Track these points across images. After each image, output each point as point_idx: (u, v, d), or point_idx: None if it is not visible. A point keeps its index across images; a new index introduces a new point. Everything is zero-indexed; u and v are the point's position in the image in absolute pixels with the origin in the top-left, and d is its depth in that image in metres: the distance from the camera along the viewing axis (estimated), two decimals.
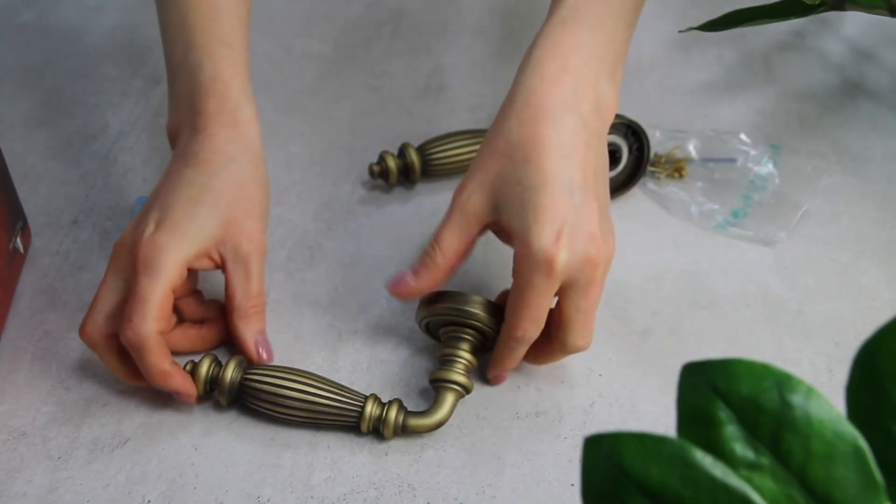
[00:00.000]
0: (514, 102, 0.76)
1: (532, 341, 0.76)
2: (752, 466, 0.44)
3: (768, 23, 0.88)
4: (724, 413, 0.44)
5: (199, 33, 0.85)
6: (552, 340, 0.77)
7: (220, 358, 0.81)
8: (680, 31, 0.84)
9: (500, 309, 0.79)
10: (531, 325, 0.74)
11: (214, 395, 0.80)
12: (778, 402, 0.43)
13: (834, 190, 0.99)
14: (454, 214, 0.76)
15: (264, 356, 0.82)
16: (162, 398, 0.82)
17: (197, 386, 0.79)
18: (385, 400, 0.79)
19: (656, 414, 0.81)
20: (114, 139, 1.07)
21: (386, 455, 0.78)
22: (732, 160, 1.00)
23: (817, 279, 0.91)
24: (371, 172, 0.98)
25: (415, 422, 0.78)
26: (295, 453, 0.78)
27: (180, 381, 0.77)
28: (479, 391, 0.82)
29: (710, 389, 0.44)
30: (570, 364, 0.84)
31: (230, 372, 0.79)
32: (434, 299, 0.80)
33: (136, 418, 0.80)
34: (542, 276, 0.71)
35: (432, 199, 0.99)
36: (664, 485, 0.43)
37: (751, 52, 1.18)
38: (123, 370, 0.79)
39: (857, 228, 0.96)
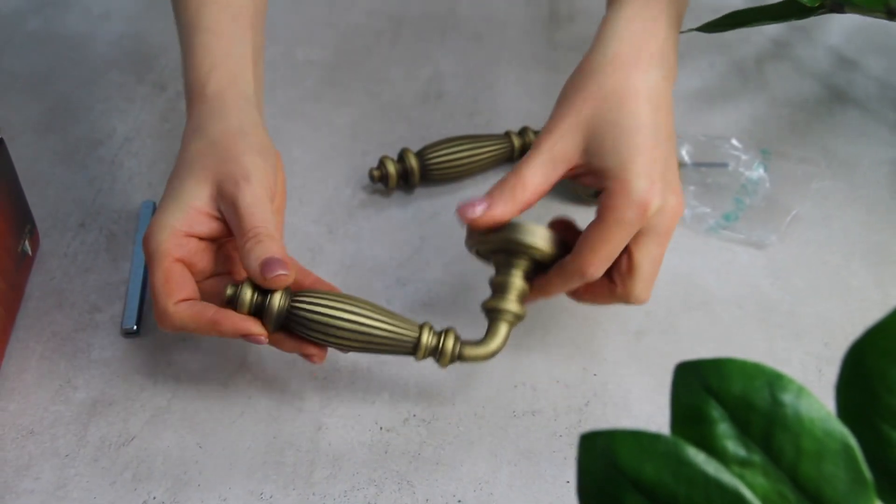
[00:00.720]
0: (604, 51, 0.77)
1: (591, 280, 0.75)
2: (744, 463, 0.44)
3: (768, 24, 0.88)
4: (716, 411, 0.44)
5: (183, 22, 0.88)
6: (615, 287, 0.76)
7: None
8: (681, 32, 0.84)
9: (558, 240, 0.76)
10: (602, 263, 0.73)
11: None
12: (769, 401, 0.43)
13: (824, 194, 1.00)
14: (541, 154, 0.75)
15: (273, 275, 0.72)
16: (166, 396, 0.82)
17: (241, 310, 0.74)
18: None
19: (650, 412, 0.81)
20: (120, 144, 1.07)
21: (385, 453, 0.78)
22: (724, 165, 1.00)
23: (807, 281, 0.91)
24: (371, 177, 0.98)
25: (471, 351, 0.76)
26: (297, 451, 0.78)
27: (234, 326, 0.73)
28: (477, 391, 0.82)
29: (703, 388, 0.44)
30: (566, 364, 0.84)
31: (277, 299, 0.74)
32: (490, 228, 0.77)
33: (142, 417, 0.80)
34: (635, 215, 0.72)
35: (431, 203, 0.99)
36: (658, 481, 0.43)
37: (742, 59, 1.18)
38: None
39: (846, 231, 0.96)
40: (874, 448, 0.44)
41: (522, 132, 1.02)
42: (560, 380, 0.83)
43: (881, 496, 0.44)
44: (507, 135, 1.02)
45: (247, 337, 0.74)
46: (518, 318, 0.77)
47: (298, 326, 0.75)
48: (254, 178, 0.76)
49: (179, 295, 0.74)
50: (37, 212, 0.95)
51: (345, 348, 0.77)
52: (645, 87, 0.75)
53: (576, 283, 0.76)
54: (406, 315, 0.87)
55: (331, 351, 0.83)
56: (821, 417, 0.43)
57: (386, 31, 1.24)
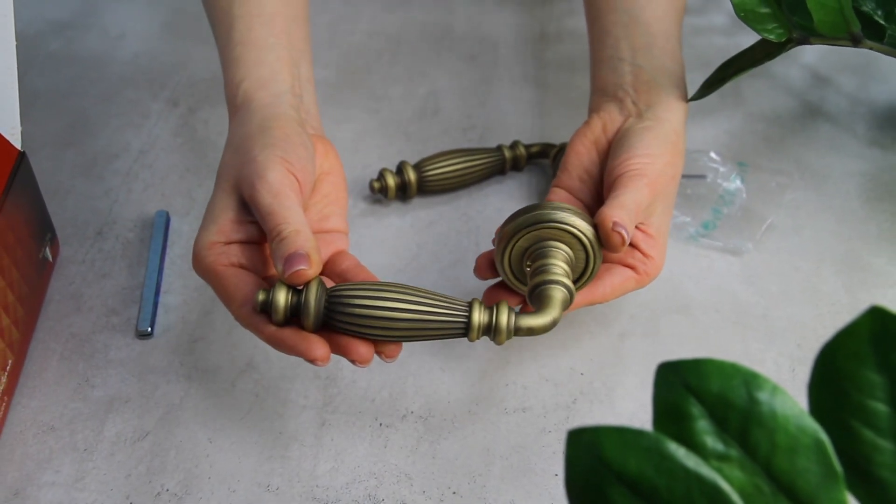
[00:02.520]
0: (676, 144, 0.83)
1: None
2: (722, 458, 0.44)
3: (748, 71, 0.88)
4: (696, 408, 0.44)
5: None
6: (637, 269, 0.80)
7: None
8: (690, 99, 0.86)
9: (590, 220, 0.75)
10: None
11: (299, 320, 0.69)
12: (746, 399, 0.43)
13: (796, 204, 1.00)
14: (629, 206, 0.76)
15: (292, 271, 0.67)
16: (179, 394, 0.82)
17: (276, 315, 0.68)
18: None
19: (633, 409, 0.81)
20: (135, 157, 1.07)
21: (385, 447, 0.78)
22: (703, 177, 1.00)
23: (781, 286, 0.91)
24: (371, 188, 0.98)
25: (528, 321, 0.69)
26: (301, 445, 0.78)
27: (293, 349, 0.68)
28: (470, 389, 0.82)
29: (683, 387, 0.44)
30: (555, 364, 0.84)
31: (313, 295, 0.67)
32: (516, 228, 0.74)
33: (156, 414, 0.80)
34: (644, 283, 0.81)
35: (428, 213, 0.99)
36: (641, 475, 0.43)
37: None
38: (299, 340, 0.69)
39: (817, 240, 0.96)
40: (844, 443, 0.44)
41: (513, 146, 1.02)
42: (549, 378, 0.83)
43: (851, 489, 0.44)
44: (499, 148, 1.02)
45: (310, 361, 0.68)
46: (569, 291, 0.72)
47: (340, 322, 0.68)
48: (269, 173, 0.71)
49: (238, 299, 0.70)
50: (57, 221, 0.95)
51: (392, 339, 0.69)
52: (683, 146, 0.85)
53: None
54: None
55: (333, 359, 0.83)
56: (794, 414, 0.43)
57: (385, 52, 1.24)
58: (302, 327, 0.69)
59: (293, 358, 0.84)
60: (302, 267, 0.67)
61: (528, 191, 1.01)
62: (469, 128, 1.11)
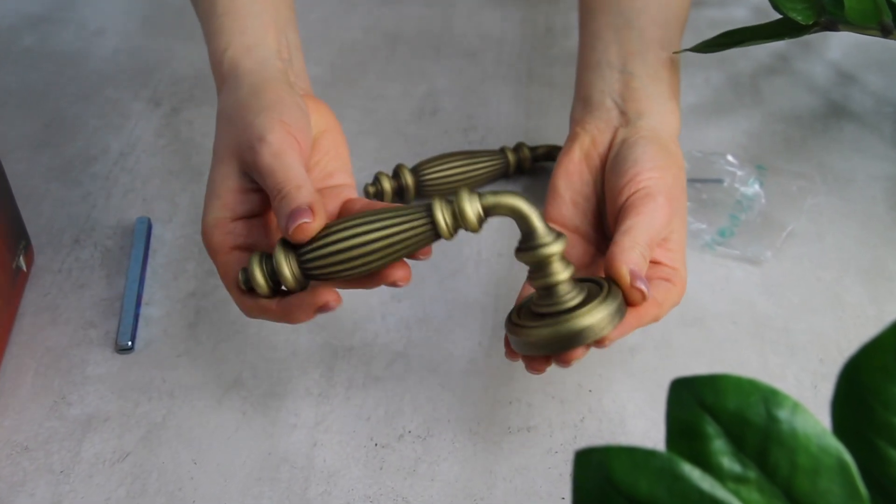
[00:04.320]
0: (676, 156, 0.82)
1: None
2: (739, 479, 0.44)
3: (761, 43, 0.88)
4: (711, 427, 0.44)
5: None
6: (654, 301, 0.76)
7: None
8: (674, 52, 0.84)
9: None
10: None
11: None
12: (764, 417, 0.43)
13: (818, 210, 1.00)
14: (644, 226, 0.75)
15: (295, 225, 0.68)
16: (161, 412, 0.82)
17: (260, 289, 0.70)
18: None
19: (645, 428, 0.81)
20: (114, 160, 1.07)
21: (380, 469, 0.78)
22: (720, 181, 1.01)
23: (802, 297, 0.91)
24: (366, 193, 0.98)
25: (496, 198, 0.68)
26: (292, 467, 0.78)
27: (305, 312, 0.70)
28: (472, 407, 0.82)
29: (697, 404, 0.44)
30: (561, 380, 0.84)
31: (282, 257, 0.69)
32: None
33: (137, 433, 0.80)
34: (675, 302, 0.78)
35: None
36: (653, 498, 0.43)
37: (738, 75, 1.19)
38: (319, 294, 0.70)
39: (840, 247, 0.96)
40: (870, 464, 0.44)
41: (518, 148, 1.02)
42: (555, 396, 0.83)
43: None
44: (503, 151, 1.02)
45: (324, 309, 0.69)
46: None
47: (317, 272, 0.70)
48: (269, 135, 0.72)
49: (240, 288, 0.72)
50: (31, 228, 0.95)
51: (373, 268, 0.70)
52: (682, 158, 0.84)
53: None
54: (401, 331, 0.87)
55: (326, 368, 0.83)
56: (816, 433, 0.43)
57: (381, 48, 1.25)
58: (288, 291, 0.71)
59: (283, 374, 0.84)
60: (305, 220, 0.68)
61: (533, 196, 1.01)
62: (470, 128, 1.11)
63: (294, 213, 0.68)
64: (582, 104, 0.86)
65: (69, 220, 0.99)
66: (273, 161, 0.71)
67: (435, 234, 0.69)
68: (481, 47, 1.24)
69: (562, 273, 0.69)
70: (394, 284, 0.71)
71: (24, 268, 0.91)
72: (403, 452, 0.79)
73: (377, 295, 0.91)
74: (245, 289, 0.71)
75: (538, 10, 1.30)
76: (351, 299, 0.90)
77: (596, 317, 0.68)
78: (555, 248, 0.68)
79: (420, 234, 0.69)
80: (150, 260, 0.95)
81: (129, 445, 0.80)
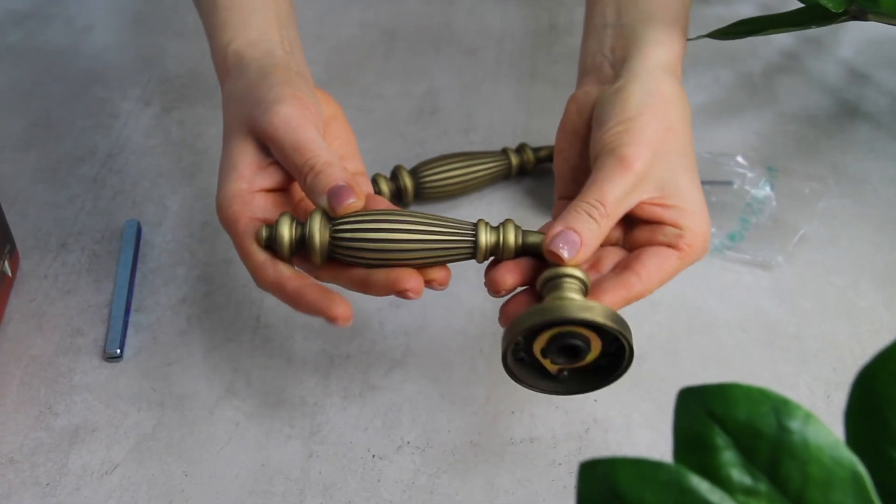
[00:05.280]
0: (660, 92, 0.78)
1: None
2: (750, 492, 0.44)
3: (783, 31, 0.87)
4: (720, 438, 0.44)
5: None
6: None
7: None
8: (689, 40, 0.84)
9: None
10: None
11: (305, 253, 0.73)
12: (775, 428, 0.43)
13: (831, 213, 1.00)
14: (626, 179, 0.73)
15: (343, 206, 0.71)
16: (151, 423, 0.82)
17: (281, 249, 0.71)
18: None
19: (652, 439, 0.81)
20: (103, 162, 1.07)
21: (378, 481, 0.78)
22: (729, 183, 1.01)
23: (815, 303, 0.91)
24: None
25: (537, 239, 0.72)
26: (286, 479, 0.78)
27: (313, 307, 0.71)
28: (472, 417, 0.82)
29: (706, 414, 0.44)
30: None
31: (317, 226, 0.71)
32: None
33: (126, 444, 0.80)
34: (699, 258, 0.76)
35: None
36: None
37: (748, 73, 1.19)
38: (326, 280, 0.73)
39: (854, 251, 0.96)
40: (884, 476, 0.44)
41: (520, 149, 1.02)
42: (559, 405, 0.83)
43: None
44: (505, 152, 1.02)
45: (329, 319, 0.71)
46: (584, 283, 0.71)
47: (345, 253, 0.71)
48: (282, 107, 0.74)
49: (257, 260, 0.72)
50: (17, 231, 0.95)
51: (399, 265, 0.71)
52: (687, 114, 0.79)
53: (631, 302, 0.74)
54: (399, 338, 0.87)
55: (322, 376, 0.83)
56: (829, 444, 0.43)
57: (379, 45, 1.25)
58: (308, 261, 0.72)
59: (277, 383, 0.84)
60: (352, 200, 0.71)
61: (535, 198, 1.02)
62: (471, 129, 1.11)
63: (338, 192, 0.70)
64: (580, 72, 0.86)
65: (56, 224, 0.99)
66: (294, 135, 0.73)
67: (472, 253, 0.72)
68: (483, 44, 1.24)
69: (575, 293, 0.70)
70: (430, 284, 0.72)
71: (10, 273, 0.91)
72: (402, 464, 0.79)
73: (374, 301, 0.91)
74: (263, 245, 0.72)
75: (541, 6, 1.31)
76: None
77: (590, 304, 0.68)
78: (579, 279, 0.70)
79: (458, 249, 0.72)
80: (139, 265, 0.95)
81: (118, 457, 0.80)
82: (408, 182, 0.98)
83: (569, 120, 0.82)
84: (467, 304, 0.91)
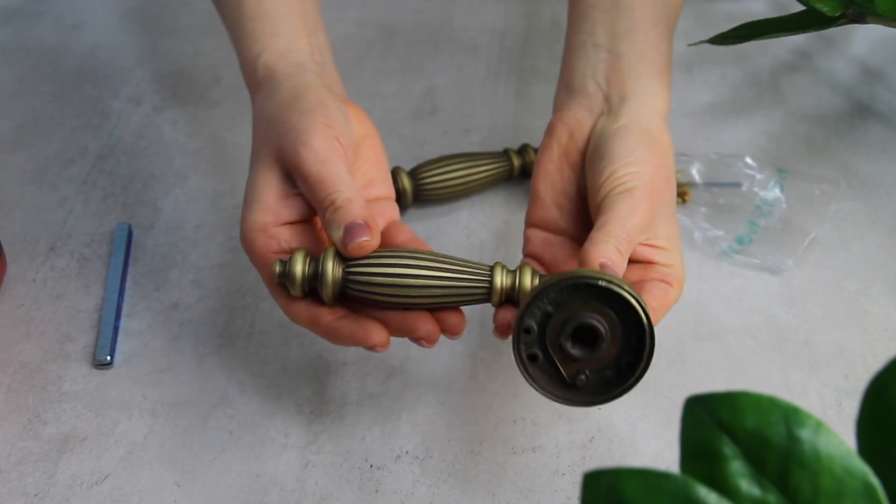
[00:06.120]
0: (661, 142, 0.80)
1: None
2: None
3: (783, 35, 0.88)
4: (729, 448, 0.44)
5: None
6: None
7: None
8: (690, 45, 0.84)
9: None
10: None
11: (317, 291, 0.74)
12: (785, 437, 0.43)
13: (843, 216, 1.00)
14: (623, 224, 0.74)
15: (355, 243, 0.72)
16: (142, 431, 0.82)
17: (293, 286, 0.73)
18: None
19: (658, 449, 0.81)
20: (93, 163, 1.07)
21: (376, 492, 0.78)
22: (737, 185, 1.01)
23: (825, 308, 0.91)
24: None
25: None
26: (281, 490, 0.78)
27: (351, 338, 0.73)
28: (473, 426, 0.82)
29: (714, 423, 0.44)
30: None
31: (330, 263, 0.72)
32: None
33: (116, 454, 0.80)
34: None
35: (424, 226, 0.99)
36: None
37: (757, 72, 1.19)
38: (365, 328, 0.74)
39: (866, 256, 0.96)
40: None
41: (522, 150, 1.02)
42: (563, 414, 0.83)
43: None
44: (506, 153, 1.02)
45: (371, 349, 0.73)
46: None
47: (357, 291, 0.73)
48: (313, 139, 0.75)
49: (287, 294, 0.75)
50: (4, 235, 0.95)
51: (412, 307, 0.74)
52: (668, 143, 0.81)
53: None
54: (398, 345, 0.87)
55: (319, 384, 0.83)
56: (840, 454, 0.43)
57: (376, 43, 1.25)
58: (320, 298, 0.74)
59: (272, 390, 0.84)
60: (364, 238, 0.72)
61: None
62: (472, 129, 1.11)
63: (352, 229, 0.72)
64: (565, 89, 0.86)
65: (44, 227, 0.99)
66: (320, 168, 0.74)
67: (486, 296, 0.73)
68: (483, 42, 1.25)
69: None
70: (443, 331, 0.75)
71: None
72: (400, 474, 0.79)
73: None
74: (276, 281, 0.74)
75: (543, 3, 1.31)
76: None
77: None
78: None
79: (473, 292, 0.73)
80: (130, 269, 0.95)
81: (108, 467, 0.80)
82: (406, 184, 0.98)
83: (558, 144, 0.83)
84: (468, 310, 0.91)
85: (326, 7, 1.27)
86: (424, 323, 0.73)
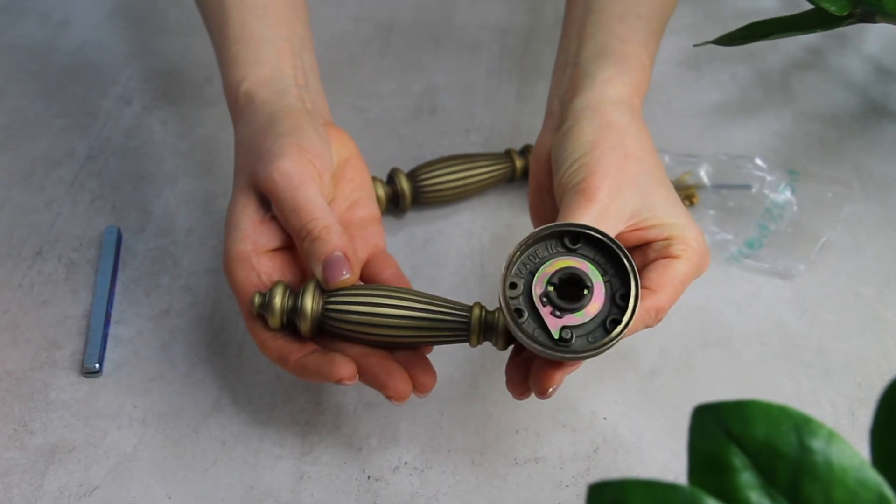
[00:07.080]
0: (611, 124, 0.79)
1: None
2: None
3: (790, 36, 0.88)
4: (738, 459, 0.44)
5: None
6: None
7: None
8: (695, 45, 0.84)
9: None
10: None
11: (295, 324, 0.76)
12: (797, 447, 0.43)
13: (856, 219, 1.00)
14: (603, 219, 0.74)
15: (337, 281, 0.75)
16: (132, 442, 0.82)
17: (272, 319, 0.75)
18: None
19: (665, 460, 0.81)
20: (81, 164, 1.07)
21: None
22: (747, 187, 1.01)
23: (838, 314, 0.91)
24: None
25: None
26: (276, 502, 0.78)
27: (318, 373, 0.74)
28: (474, 436, 0.82)
29: (723, 433, 0.44)
30: (573, 407, 0.84)
31: (310, 299, 0.75)
32: None
33: (105, 465, 0.80)
34: (705, 263, 0.77)
35: (424, 229, 0.99)
36: None
37: (767, 70, 1.19)
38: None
39: (881, 260, 0.96)
40: None
41: (524, 151, 1.02)
42: (566, 424, 0.83)
43: None
44: (508, 153, 1.02)
45: (339, 383, 0.74)
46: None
47: (335, 327, 0.75)
48: (285, 163, 0.77)
49: (264, 331, 0.77)
50: None
51: (389, 345, 0.76)
52: (647, 141, 0.80)
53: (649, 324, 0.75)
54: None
55: (314, 392, 0.83)
56: (853, 465, 0.43)
57: (375, 41, 1.25)
58: (299, 332, 0.76)
59: (266, 400, 0.84)
60: (345, 275, 0.75)
61: None
62: (472, 129, 1.11)
63: (332, 264, 0.75)
64: (544, 118, 0.87)
65: (31, 231, 0.99)
66: (294, 195, 0.76)
67: (465, 335, 0.75)
68: (485, 39, 1.25)
69: None
70: (415, 387, 0.76)
71: None
72: (399, 486, 0.79)
73: None
74: (255, 314, 0.76)
75: None
76: None
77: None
78: None
79: (451, 333, 0.75)
80: (119, 274, 0.95)
81: (97, 478, 0.80)
82: (405, 186, 0.98)
83: (534, 178, 0.84)
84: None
85: (322, 3, 1.27)
86: (395, 381, 0.74)
